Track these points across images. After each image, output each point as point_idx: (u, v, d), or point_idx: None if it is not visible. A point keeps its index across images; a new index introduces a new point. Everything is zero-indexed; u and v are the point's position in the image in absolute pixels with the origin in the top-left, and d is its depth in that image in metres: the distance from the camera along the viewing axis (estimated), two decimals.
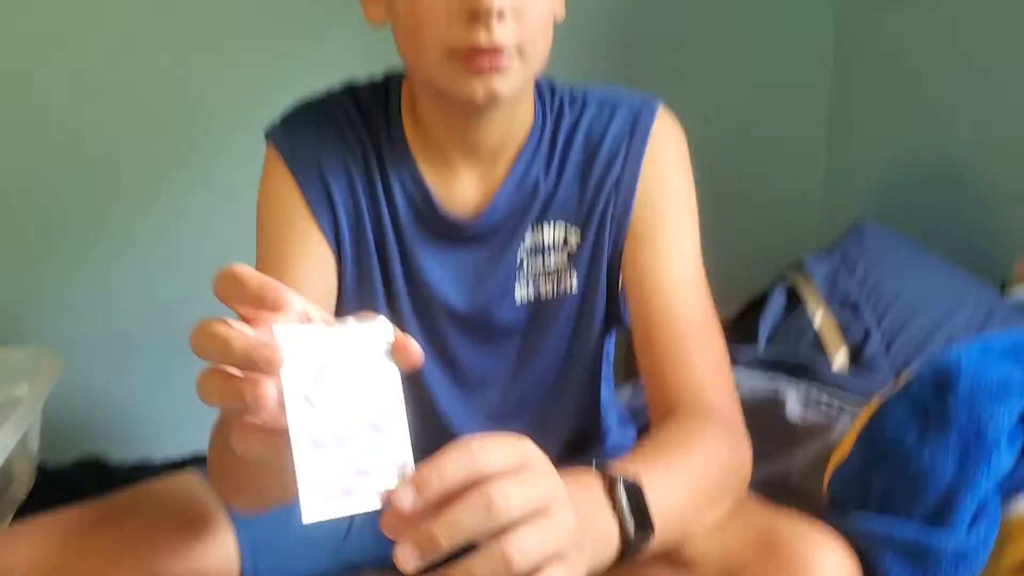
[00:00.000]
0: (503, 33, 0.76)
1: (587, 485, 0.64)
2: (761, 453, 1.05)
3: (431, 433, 0.84)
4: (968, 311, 1.21)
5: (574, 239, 0.88)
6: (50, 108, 1.39)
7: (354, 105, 0.88)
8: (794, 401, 1.06)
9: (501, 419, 0.94)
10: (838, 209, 1.84)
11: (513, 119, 0.85)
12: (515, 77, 0.79)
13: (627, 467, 0.67)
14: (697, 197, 0.88)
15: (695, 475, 0.72)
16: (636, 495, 0.64)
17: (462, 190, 0.88)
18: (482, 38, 0.76)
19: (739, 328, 1.30)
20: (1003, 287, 1.34)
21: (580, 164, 0.87)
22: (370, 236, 0.87)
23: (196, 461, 1.30)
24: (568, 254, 0.89)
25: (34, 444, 1.24)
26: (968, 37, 1.56)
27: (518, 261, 0.88)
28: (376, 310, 0.86)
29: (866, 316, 1.20)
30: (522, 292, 0.89)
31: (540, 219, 0.88)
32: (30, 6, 1.35)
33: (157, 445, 1.36)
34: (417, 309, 0.90)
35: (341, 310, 0.88)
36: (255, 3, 1.46)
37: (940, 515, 0.79)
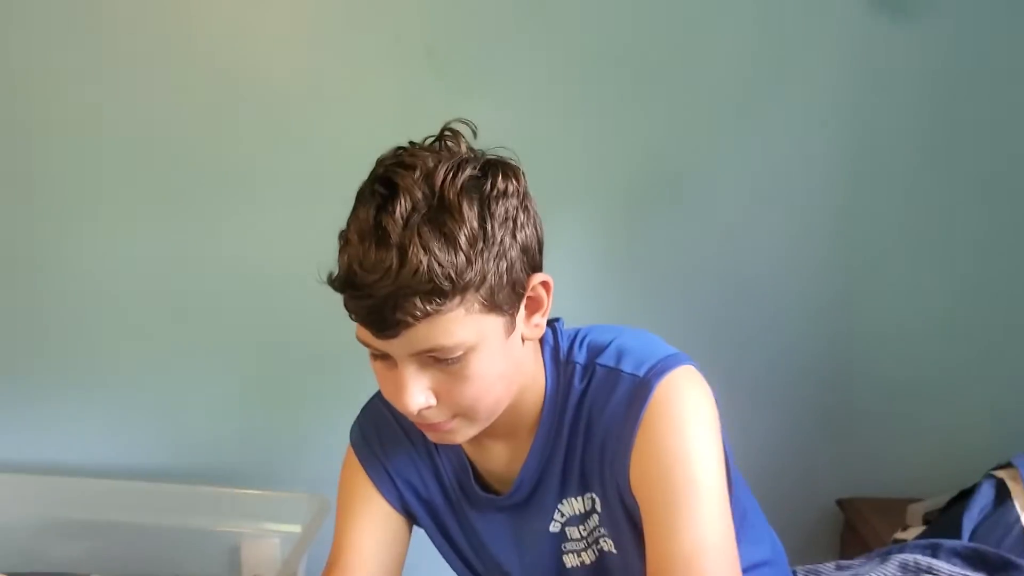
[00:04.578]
0: (432, 416, 0.82)
1: None
2: None
3: None
4: None
5: (599, 505, 0.89)
6: None
7: None
8: None
9: None
10: None
11: (518, 403, 0.88)
12: (467, 430, 0.85)
13: None
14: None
15: None
16: None
17: (495, 464, 0.94)
18: (417, 419, 0.83)
19: (945, 520, 1.31)
20: None
21: (584, 437, 0.88)
22: (441, 505, 0.98)
23: None
24: (599, 519, 0.90)
25: (302, 572, 1.47)
26: None
27: (559, 531, 0.92)
28: (452, 564, 1.01)
29: None
30: (570, 560, 0.93)
31: (565, 492, 0.90)
32: None
33: None
34: (486, 567, 1.00)
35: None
36: None
37: None
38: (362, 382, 1.04)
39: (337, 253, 0.78)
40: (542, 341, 0.92)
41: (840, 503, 1.88)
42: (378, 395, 1.02)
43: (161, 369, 1.83)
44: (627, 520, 0.87)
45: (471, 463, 0.96)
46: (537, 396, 0.90)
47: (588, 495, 0.90)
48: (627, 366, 0.86)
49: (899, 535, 1.54)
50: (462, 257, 0.74)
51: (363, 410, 1.03)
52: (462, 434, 0.85)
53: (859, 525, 1.78)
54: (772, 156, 1.74)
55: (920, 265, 1.79)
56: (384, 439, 0.99)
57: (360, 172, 0.81)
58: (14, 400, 1.85)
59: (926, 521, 1.58)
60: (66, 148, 1.75)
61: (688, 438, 0.81)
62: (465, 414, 0.83)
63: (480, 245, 0.75)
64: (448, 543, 1.01)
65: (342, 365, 1.76)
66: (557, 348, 0.91)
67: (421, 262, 0.72)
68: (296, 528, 1.50)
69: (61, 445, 1.84)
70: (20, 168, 1.76)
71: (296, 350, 1.82)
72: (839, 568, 1.31)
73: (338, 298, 0.79)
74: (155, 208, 1.76)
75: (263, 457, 1.84)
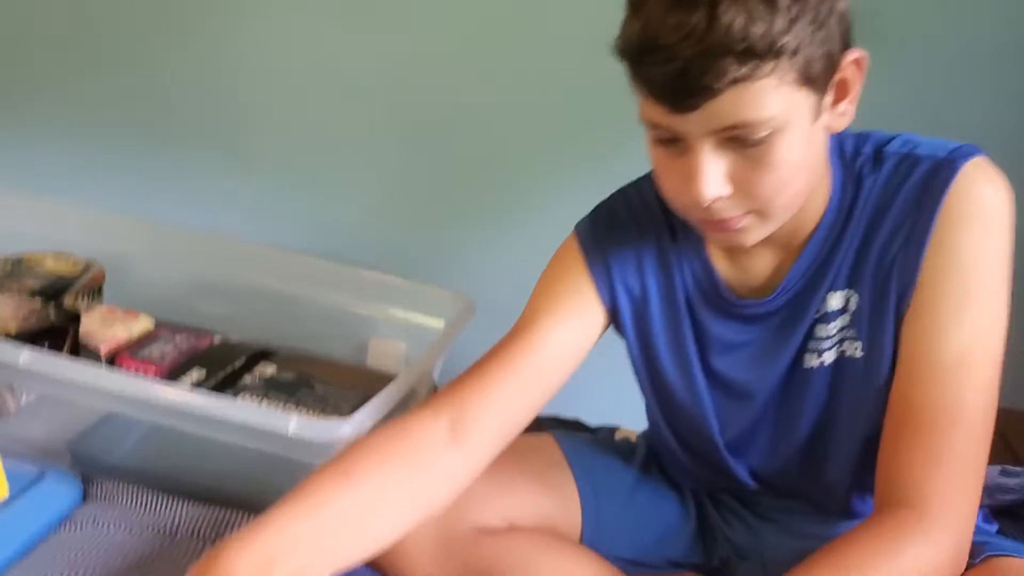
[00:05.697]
0: (725, 209, 0.76)
1: None
2: None
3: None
4: None
5: (854, 304, 0.85)
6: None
7: (655, 196, 0.92)
8: None
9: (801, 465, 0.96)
10: None
11: (803, 207, 0.82)
12: (759, 230, 0.79)
13: None
14: None
15: None
16: None
17: (756, 273, 0.89)
18: (705, 214, 0.77)
19: None
20: None
21: (865, 228, 0.83)
22: (656, 310, 0.93)
23: (556, 423, 1.43)
24: (850, 319, 0.85)
25: (437, 372, 1.45)
26: None
27: (806, 332, 0.88)
28: (642, 375, 0.97)
29: None
30: (810, 359, 0.89)
31: (831, 287, 0.86)
32: None
33: None
34: (708, 376, 0.94)
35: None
36: None
37: None
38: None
39: (624, 21, 0.72)
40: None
41: None
42: (618, 193, 0.96)
43: (312, 153, 1.85)
44: (883, 322, 0.82)
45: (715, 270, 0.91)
46: (821, 201, 0.84)
47: (850, 290, 0.85)
48: (924, 150, 0.81)
49: None
50: (781, 17, 0.67)
51: (599, 205, 0.97)
52: (753, 235, 0.79)
53: None
54: None
55: None
56: (615, 235, 0.94)
57: None
58: (173, 170, 1.91)
59: None
60: None
61: (991, 236, 0.76)
62: (761, 209, 0.76)
63: (799, 6, 0.68)
64: (645, 352, 0.96)
65: (494, 174, 1.71)
66: (842, 147, 0.85)
67: (735, 19, 0.66)
68: (436, 323, 1.47)
69: (211, 216, 1.88)
70: None
71: (447, 153, 1.78)
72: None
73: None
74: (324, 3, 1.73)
75: (404, 255, 1.83)
